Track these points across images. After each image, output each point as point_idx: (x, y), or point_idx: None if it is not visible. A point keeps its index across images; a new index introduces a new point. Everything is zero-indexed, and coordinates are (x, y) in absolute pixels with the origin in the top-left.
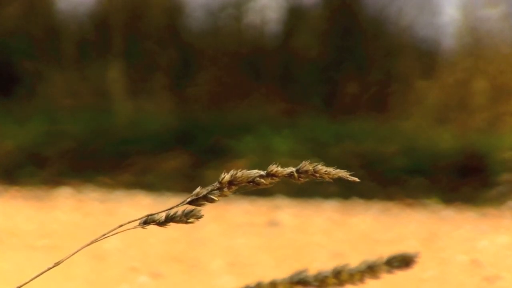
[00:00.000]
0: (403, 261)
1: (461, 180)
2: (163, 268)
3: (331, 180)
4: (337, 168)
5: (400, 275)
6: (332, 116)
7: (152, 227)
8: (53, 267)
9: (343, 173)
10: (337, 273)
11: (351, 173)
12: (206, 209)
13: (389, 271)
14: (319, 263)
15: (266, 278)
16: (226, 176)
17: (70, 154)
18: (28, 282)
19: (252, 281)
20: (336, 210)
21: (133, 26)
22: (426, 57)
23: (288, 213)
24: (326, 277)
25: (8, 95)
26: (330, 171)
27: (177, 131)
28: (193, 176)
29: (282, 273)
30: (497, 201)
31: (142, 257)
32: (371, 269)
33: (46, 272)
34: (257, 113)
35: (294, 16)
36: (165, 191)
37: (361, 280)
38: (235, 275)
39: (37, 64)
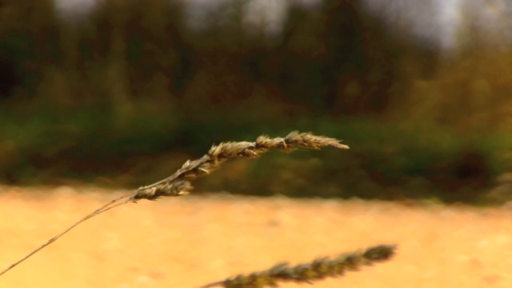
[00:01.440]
0: (381, 253)
1: (461, 180)
2: (163, 268)
3: (319, 149)
4: (338, 168)
5: (400, 275)
6: (332, 116)
7: (152, 227)
8: (47, 244)
9: (332, 141)
10: (317, 266)
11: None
12: (207, 209)
13: (368, 263)
14: None
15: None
16: (217, 149)
17: (70, 154)
18: (22, 260)
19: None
20: (336, 210)
21: (133, 26)
22: (426, 57)
23: (288, 213)
24: (305, 269)
25: (8, 95)
26: (319, 140)
27: (177, 131)
28: None
29: None
30: (497, 201)
31: (142, 257)
32: (350, 261)
33: (46, 272)
34: (257, 113)
35: (294, 16)
36: None
37: (340, 272)
38: (235, 274)
39: (37, 64)
